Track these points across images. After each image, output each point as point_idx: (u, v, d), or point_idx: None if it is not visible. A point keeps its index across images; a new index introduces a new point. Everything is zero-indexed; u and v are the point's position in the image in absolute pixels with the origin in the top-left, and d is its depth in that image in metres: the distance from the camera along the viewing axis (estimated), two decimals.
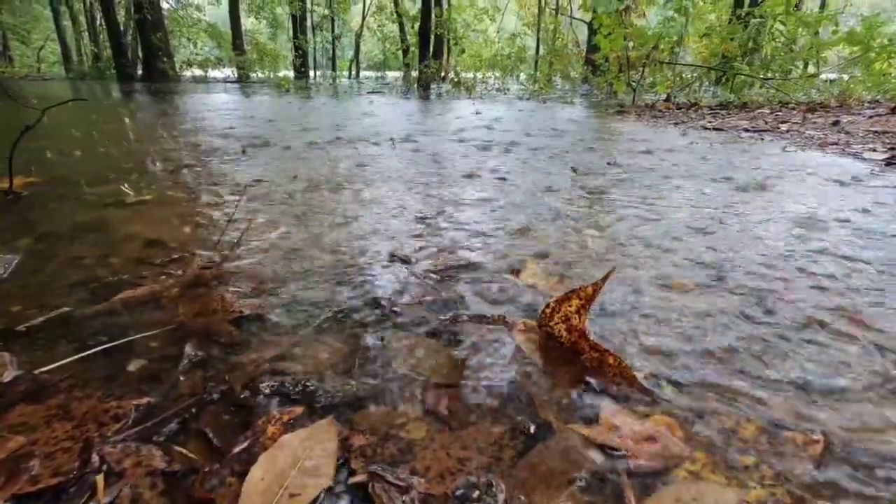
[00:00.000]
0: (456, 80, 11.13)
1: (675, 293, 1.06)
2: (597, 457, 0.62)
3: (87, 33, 23.23)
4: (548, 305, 0.84)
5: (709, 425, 0.67)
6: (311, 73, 21.94)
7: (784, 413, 0.70)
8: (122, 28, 16.43)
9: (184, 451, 0.61)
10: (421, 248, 1.33)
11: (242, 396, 0.71)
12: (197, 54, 18.28)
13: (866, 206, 1.77)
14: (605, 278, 0.80)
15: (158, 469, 0.57)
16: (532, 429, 0.66)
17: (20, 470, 0.56)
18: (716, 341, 0.87)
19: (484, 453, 0.62)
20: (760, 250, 1.33)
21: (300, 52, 19.17)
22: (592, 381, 0.76)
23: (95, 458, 0.58)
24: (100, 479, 0.55)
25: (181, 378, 0.75)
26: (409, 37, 22.68)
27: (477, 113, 5.60)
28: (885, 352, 0.84)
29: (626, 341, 0.87)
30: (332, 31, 25.59)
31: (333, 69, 25.55)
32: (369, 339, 0.87)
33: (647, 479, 0.59)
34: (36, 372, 0.76)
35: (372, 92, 10.56)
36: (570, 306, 0.80)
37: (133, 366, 0.78)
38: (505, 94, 10.45)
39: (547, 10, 22.10)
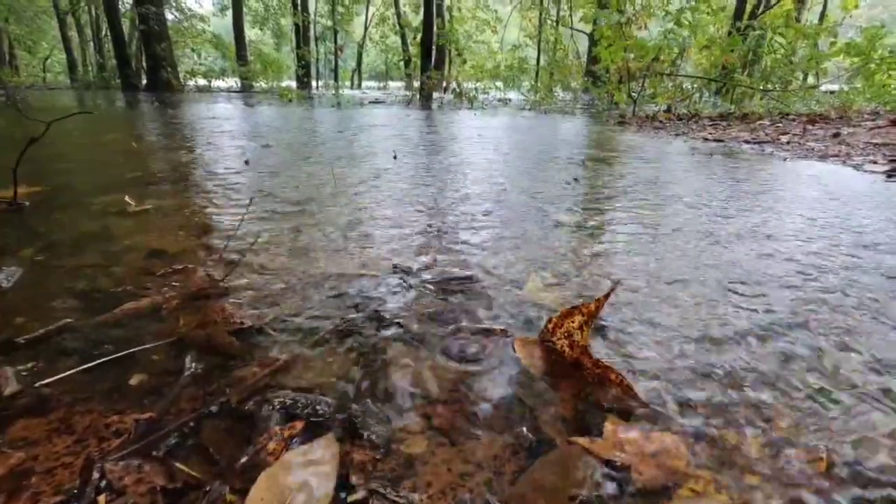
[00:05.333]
0: (458, 90, 11.20)
1: None
2: (601, 474, 0.61)
3: (92, 43, 23.52)
4: (550, 320, 0.84)
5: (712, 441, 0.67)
6: (314, 84, 22.11)
7: None
8: (126, 38, 16.62)
9: (185, 467, 0.60)
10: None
11: (243, 411, 0.71)
12: (201, 64, 18.45)
13: None
14: (607, 295, 0.80)
15: (159, 486, 0.57)
16: (535, 444, 0.66)
17: (21, 487, 0.56)
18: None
19: (486, 469, 0.62)
20: None
21: (303, 62, 19.34)
22: (594, 396, 0.76)
23: (96, 475, 0.58)
24: (102, 499, 0.55)
25: (182, 392, 0.75)
26: (410, 47, 22.91)
27: (479, 136, 5.63)
28: None
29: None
30: (335, 41, 25.85)
31: (336, 79, 25.78)
32: (371, 352, 0.87)
33: (651, 497, 0.58)
34: (37, 385, 0.76)
35: (374, 102, 10.64)
36: (572, 322, 0.80)
37: (134, 379, 0.78)
38: (506, 104, 10.52)
39: (548, 21, 22.31)
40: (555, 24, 22.10)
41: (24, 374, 0.79)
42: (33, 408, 0.71)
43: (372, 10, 28.20)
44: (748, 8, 12.18)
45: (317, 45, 26.09)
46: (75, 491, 0.56)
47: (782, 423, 0.71)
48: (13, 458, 0.60)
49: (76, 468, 0.59)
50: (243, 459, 0.62)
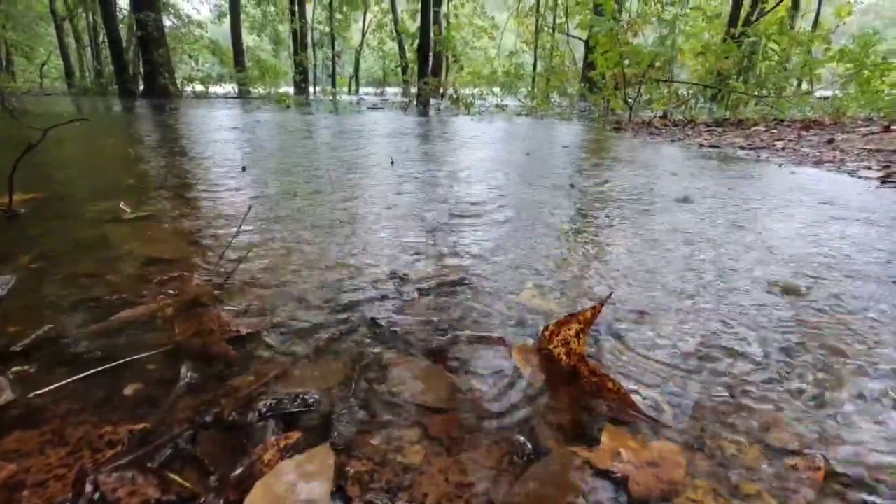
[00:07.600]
0: (455, 96, 11.25)
1: None
2: (597, 483, 0.61)
3: (89, 49, 23.56)
4: (547, 328, 0.84)
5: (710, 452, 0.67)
6: (312, 89, 22.17)
7: None
8: (124, 44, 16.65)
9: (179, 479, 0.60)
10: None
11: (238, 421, 0.71)
12: (198, 70, 18.50)
13: None
14: (603, 303, 0.80)
15: (154, 498, 0.56)
16: (532, 454, 0.66)
17: (13, 500, 0.55)
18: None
19: (483, 479, 0.61)
20: None
21: (301, 68, 19.41)
22: (592, 404, 0.75)
23: (90, 487, 0.57)
24: None
25: (177, 402, 0.74)
26: (408, 54, 23.00)
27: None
28: None
29: None
30: (333, 48, 25.96)
31: (333, 85, 25.86)
32: (367, 360, 0.87)
33: None
34: (31, 395, 0.75)
35: (371, 108, 10.67)
36: (569, 330, 0.80)
37: (129, 389, 0.78)
38: (503, 110, 10.56)
39: (545, 28, 22.47)
40: (551, 30, 22.26)
41: (18, 383, 0.78)
42: (26, 419, 0.70)
43: (369, 16, 28.39)
44: (742, 15, 12.29)
45: (314, 52, 26.20)
46: None
47: (780, 433, 0.71)
48: (5, 471, 0.60)
49: (69, 480, 0.59)
50: (238, 470, 0.61)
